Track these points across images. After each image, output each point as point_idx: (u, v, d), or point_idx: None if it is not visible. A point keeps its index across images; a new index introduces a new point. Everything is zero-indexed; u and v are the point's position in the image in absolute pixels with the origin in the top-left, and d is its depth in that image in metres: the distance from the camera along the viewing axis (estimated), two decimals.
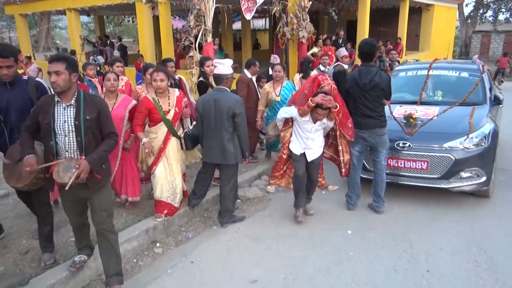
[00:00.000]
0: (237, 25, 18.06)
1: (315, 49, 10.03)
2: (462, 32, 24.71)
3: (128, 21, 19.97)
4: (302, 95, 4.02)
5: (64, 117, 2.71)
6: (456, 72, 5.42)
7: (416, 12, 16.51)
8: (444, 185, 4.29)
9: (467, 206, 4.42)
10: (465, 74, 5.33)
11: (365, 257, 3.44)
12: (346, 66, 6.84)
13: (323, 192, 4.76)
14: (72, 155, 2.74)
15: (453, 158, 4.19)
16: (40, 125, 2.76)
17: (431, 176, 4.31)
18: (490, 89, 5.20)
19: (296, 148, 4.05)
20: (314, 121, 3.90)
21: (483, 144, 4.26)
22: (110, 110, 3.55)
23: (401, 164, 4.43)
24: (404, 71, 5.82)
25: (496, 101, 5.04)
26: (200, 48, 6.78)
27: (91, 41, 16.36)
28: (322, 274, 3.20)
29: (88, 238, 3.23)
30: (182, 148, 4.08)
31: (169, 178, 3.93)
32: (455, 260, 3.36)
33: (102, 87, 5.11)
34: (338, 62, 6.97)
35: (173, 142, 3.96)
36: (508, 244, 3.61)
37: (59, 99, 2.71)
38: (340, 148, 4.19)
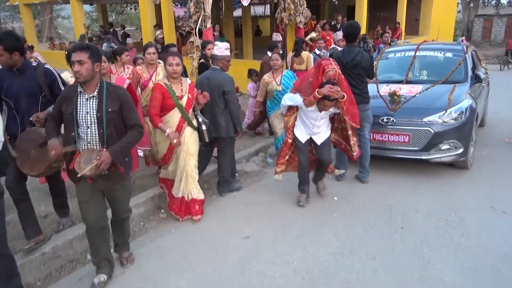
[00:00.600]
0: (238, 12, 18.30)
1: (313, 34, 10.32)
2: (464, 16, 24.79)
3: (131, 9, 20.26)
4: (308, 83, 3.95)
5: (87, 108, 2.70)
6: (441, 53, 5.77)
7: None
8: (424, 156, 4.69)
9: (446, 176, 4.81)
10: (449, 55, 5.67)
11: (347, 218, 3.86)
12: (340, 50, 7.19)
13: (330, 176, 4.66)
14: (94, 147, 2.73)
15: (432, 131, 4.58)
16: (63, 115, 2.76)
17: (412, 148, 4.70)
18: (473, 68, 5.54)
19: (301, 134, 4.08)
20: (320, 110, 3.89)
21: (460, 118, 4.64)
22: None
23: (385, 138, 4.82)
24: (393, 52, 6.17)
25: (477, 79, 5.38)
26: (200, 33, 7.13)
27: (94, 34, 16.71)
28: (308, 232, 3.63)
29: (106, 248, 3.02)
30: (201, 141, 3.95)
31: (179, 175, 3.89)
32: (427, 220, 3.77)
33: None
34: (334, 45, 7.33)
35: (189, 132, 3.83)
36: (478, 206, 4.01)
37: (81, 90, 2.70)
38: (350, 132, 4.11)
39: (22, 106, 3.22)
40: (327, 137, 4.10)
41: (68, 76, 4.29)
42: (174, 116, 3.75)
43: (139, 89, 4.58)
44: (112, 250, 3.24)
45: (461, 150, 4.64)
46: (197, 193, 3.89)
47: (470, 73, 5.35)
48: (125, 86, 3.72)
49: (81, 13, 14.52)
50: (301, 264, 3.13)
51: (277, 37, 7.84)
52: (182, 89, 3.79)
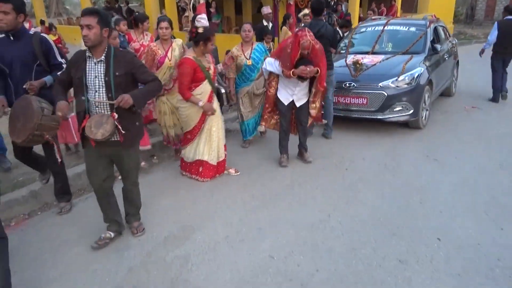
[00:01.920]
0: None
1: (306, 11, 11.00)
2: None
3: None
4: (286, 55, 4.20)
5: (95, 72, 2.74)
6: (406, 27, 6.48)
7: None
8: (380, 116, 5.49)
9: (399, 134, 5.61)
10: (413, 29, 6.39)
11: (304, 163, 4.71)
12: None
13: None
14: (103, 111, 2.79)
15: (386, 94, 5.36)
16: (72, 80, 2.82)
17: (370, 109, 5.50)
18: (432, 42, 6.25)
19: (284, 96, 4.45)
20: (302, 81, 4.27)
21: (411, 83, 5.41)
22: None
23: (348, 100, 5.61)
24: (365, 27, 6.89)
25: (434, 51, 6.10)
26: (195, 8, 7.88)
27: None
28: (269, 172, 4.49)
29: (115, 211, 3.20)
30: (221, 103, 4.34)
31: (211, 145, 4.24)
32: (369, 164, 4.61)
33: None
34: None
35: (215, 100, 4.18)
36: (416, 156, 4.83)
37: (90, 54, 2.75)
38: (313, 90, 4.42)
39: (16, 74, 3.26)
40: (305, 100, 4.49)
41: (82, 44, 4.90)
42: (206, 88, 4.02)
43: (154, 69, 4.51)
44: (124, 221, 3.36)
45: (411, 111, 5.44)
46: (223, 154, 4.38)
47: (428, 45, 6.07)
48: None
49: None
50: (259, 192, 4.01)
51: (267, 10, 8.55)
52: (207, 60, 4.08)
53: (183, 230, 3.35)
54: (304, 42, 4.09)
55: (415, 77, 5.44)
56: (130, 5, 17.51)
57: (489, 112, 6.64)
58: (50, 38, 3.64)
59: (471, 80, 8.71)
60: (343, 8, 12.82)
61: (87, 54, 2.77)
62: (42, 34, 3.41)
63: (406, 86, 5.40)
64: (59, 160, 3.47)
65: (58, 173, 3.66)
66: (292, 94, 4.46)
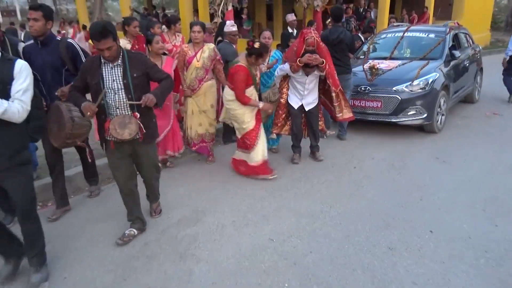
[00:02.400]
0: None
1: None
2: (510, 1, 24.20)
3: None
4: (293, 52, 4.53)
5: (113, 76, 2.88)
6: (425, 34, 6.63)
7: None
8: (394, 119, 5.67)
9: (413, 137, 5.77)
10: (432, 35, 6.53)
11: (317, 161, 4.98)
12: None
13: (325, 137, 5.64)
14: (123, 112, 2.94)
15: (400, 98, 5.55)
16: (89, 86, 2.95)
17: (384, 112, 5.70)
18: (452, 48, 6.35)
19: (294, 100, 4.72)
20: (307, 75, 4.54)
21: (425, 88, 5.56)
22: None
23: (363, 104, 5.83)
24: (386, 33, 7.08)
25: (452, 57, 6.21)
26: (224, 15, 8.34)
27: (139, 11, 18.33)
28: (282, 168, 4.79)
29: (138, 209, 3.37)
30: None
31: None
32: (377, 163, 4.82)
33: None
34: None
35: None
36: (425, 158, 4.99)
37: (105, 60, 2.88)
38: (333, 94, 4.68)
39: (48, 79, 3.44)
40: (315, 105, 4.76)
41: (125, 43, 4.97)
42: (253, 92, 4.29)
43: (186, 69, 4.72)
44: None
45: (425, 115, 5.59)
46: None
47: (446, 51, 6.20)
48: (174, 66, 4.43)
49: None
50: (268, 183, 4.32)
51: (291, 17, 8.88)
52: (255, 68, 4.34)
53: (196, 213, 3.71)
54: (309, 39, 4.36)
55: (429, 82, 5.60)
56: (166, 11, 18.35)
57: (509, 118, 6.65)
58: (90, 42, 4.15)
59: (498, 87, 8.64)
60: (372, 15, 12.95)
61: (102, 60, 2.89)
62: (68, 40, 3.59)
63: (420, 90, 5.56)
64: (90, 161, 3.84)
65: (90, 165, 4.01)
66: (301, 98, 4.71)
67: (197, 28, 4.56)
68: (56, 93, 3.36)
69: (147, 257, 3.06)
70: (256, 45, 4.07)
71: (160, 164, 3.95)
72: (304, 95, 4.69)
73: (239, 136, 4.49)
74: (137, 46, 5.11)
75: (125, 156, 3.13)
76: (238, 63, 4.20)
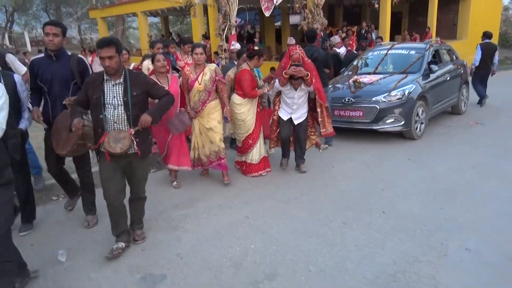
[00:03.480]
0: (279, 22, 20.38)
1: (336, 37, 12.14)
2: None
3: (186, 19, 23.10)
4: (281, 68, 5.03)
5: (114, 93, 3.08)
6: (407, 51, 7.36)
7: (454, 1, 17.58)
8: (374, 127, 6.35)
9: (394, 143, 6.40)
10: (413, 52, 7.25)
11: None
12: (338, 50, 9.02)
13: (320, 151, 6.08)
14: (121, 127, 3.11)
15: (378, 108, 6.24)
16: (89, 100, 3.13)
17: (366, 121, 6.38)
18: (430, 62, 7.02)
19: (283, 113, 5.10)
20: (295, 89, 4.91)
21: (402, 98, 6.25)
22: (167, 88, 4.27)
23: (347, 113, 6.54)
24: (373, 51, 7.84)
25: (430, 71, 6.88)
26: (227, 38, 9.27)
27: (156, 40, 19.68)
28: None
29: (125, 221, 3.41)
30: None
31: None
32: (355, 164, 5.49)
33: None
34: (333, 47, 9.14)
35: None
36: (400, 159, 5.63)
37: (108, 78, 3.07)
38: (318, 110, 5.07)
39: (55, 91, 3.60)
40: (304, 118, 5.10)
41: (149, 64, 5.52)
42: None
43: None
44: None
45: (402, 123, 6.25)
46: None
47: (424, 66, 6.89)
48: (180, 82, 4.78)
49: (145, 25, 17.45)
50: (255, 178, 5.04)
51: (291, 41, 9.76)
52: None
53: (190, 200, 4.47)
54: (294, 54, 4.85)
55: (406, 92, 6.29)
56: (181, 37, 19.65)
57: (490, 127, 7.20)
58: None
59: (491, 101, 9.18)
60: (373, 36, 13.74)
61: (105, 77, 3.09)
62: (79, 56, 3.82)
63: (397, 100, 6.25)
64: (95, 161, 3.65)
65: (89, 184, 3.95)
66: (291, 112, 5.07)
67: (199, 50, 4.68)
68: (63, 102, 3.57)
69: (144, 228, 3.80)
70: (256, 47, 5.07)
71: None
72: (293, 109, 5.03)
73: (240, 144, 5.23)
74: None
75: (118, 168, 3.22)
76: (242, 68, 4.99)
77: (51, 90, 3.63)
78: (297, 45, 5.17)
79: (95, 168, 3.90)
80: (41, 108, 3.71)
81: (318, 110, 5.11)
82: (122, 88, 3.10)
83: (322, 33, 8.15)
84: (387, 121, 6.28)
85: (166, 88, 4.16)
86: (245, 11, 12.81)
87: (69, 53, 3.80)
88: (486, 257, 3.15)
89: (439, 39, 8.40)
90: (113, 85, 3.11)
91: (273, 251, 3.34)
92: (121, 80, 3.11)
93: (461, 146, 6.10)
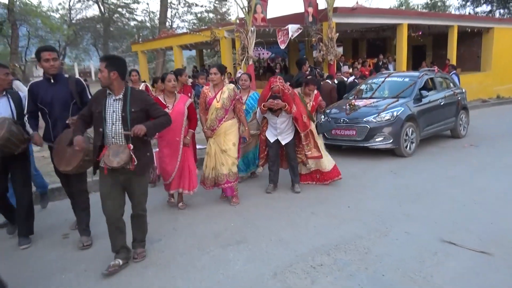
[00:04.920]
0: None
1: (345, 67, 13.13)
2: None
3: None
4: (261, 97, 5.22)
5: (113, 108, 3.24)
6: (402, 78, 8.20)
7: (477, 35, 18.16)
8: (366, 144, 7.17)
9: (384, 159, 7.16)
10: (407, 79, 8.08)
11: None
12: (345, 79, 9.99)
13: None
14: (118, 142, 3.23)
15: (369, 127, 7.07)
16: (93, 115, 3.29)
17: (358, 139, 7.22)
18: (422, 89, 7.81)
19: (270, 135, 5.34)
20: (277, 116, 5.14)
21: (390, 119, 7.06)
22: (172, 107, 4.59)
23: (343, 133, 7.40)
24: (372, 78, 8.74)
25: (421, 96, 7.66)
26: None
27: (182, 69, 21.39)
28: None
29: (123, 238, 3.45)
30: None
31: None
32: (346, 180, 6.24)
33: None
34: (341, 75, 10.12)
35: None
36: (382, 171, 6.39)
37: (110, 92, 3.25)
38: (302, 135, 5.23)
39: (55, 112, 3.76)
40: (290, 139, 5.30)
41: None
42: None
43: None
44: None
45: (391, 141, 7.03)
46: None
47: (415, 92, 7.68)
48: (187, 104, 4.75)
49: (180, 57, 19.13)
50: (241, 189, 5.97)
51: (239, 73, 10.66)
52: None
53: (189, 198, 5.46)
54: (274, 87, 5.06)
55: (394, 114, 7.11)
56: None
57: (483, 148, 7.78)
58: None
59: (497, 128, 9.73)
60: (390, 68, 14.58)
61: (107, 92, 3.27)
62: (77, 77, 4.09)
63: (386, 121, 7.07)
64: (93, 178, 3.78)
65: (84, 203, 3.98)
66: (276, 134, 5.30)
67: (214, 70, 4.85)
68: (67, 121, 3.73)
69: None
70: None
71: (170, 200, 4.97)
72: (278, 133, 5.28)
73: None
74: (182, 92, 5.66)
75: (117, 184, 3.32)
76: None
77: (52, 112, 3.78)
78: (278, 77, 5.35)
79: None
80: (41, 131, 3.92)
81: (302, 135, 5.25)
82: (122, 104, 3.26)
83: (310, 65, 9.25)
84: (377, 139, 7.09)
85: (171, 106, 4.59)
86: (276, 45, 13.95)
87: (66, 75, 4.06)
88: (418, 238, 3.91)
89: (436, 68, 9.15)
90: (114, 100, 3.28)
91: (247, 228, 4.26)
92: (121, 96, 3.28)
93: (445, 163, 6.78)
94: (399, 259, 3.50)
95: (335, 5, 11.63)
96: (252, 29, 10.01)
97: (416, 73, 8.32)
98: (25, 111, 3.88)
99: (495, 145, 8.10)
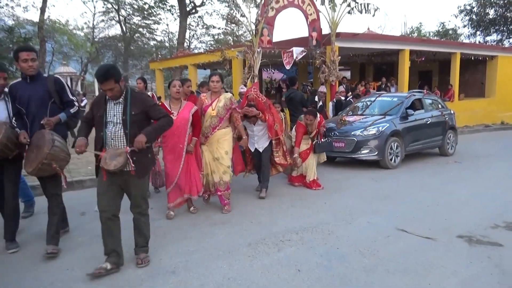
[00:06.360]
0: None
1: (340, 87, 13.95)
2: None
3: None
4: (240, 106, 5.58)
5: (114, 112, 3.27)
6: (391, 98, 9.01)
7: (482, 62, 18.87)
8: (353, 155, 7.94)
9: (371, 170, 7.88)
10: (395, 99, 8.89)
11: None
12: (342, 98, 10.85)
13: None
14: (118, 144, 3.26)
15: (356, 140, 7.86)
16: (94, 118, 3.33)
17: (346, 151, 8.00)
18: (408, 108, 8.58)
19: (250, 145, 5.74)
20: (254, 124, 5.63)
21: (375, 133, 7.84)
22: (176, 113, 4.66)
23: (333, 144, 8.18)
24: (366, 98, 9.59)
25: (407, 114, 8.43)
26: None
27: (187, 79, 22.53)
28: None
29: (115, 242, 3.38)
30: None
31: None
32: (327, 180, 7.03)
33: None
34: (337, 95, 10.98)
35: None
36: (362, 178, 7.13)
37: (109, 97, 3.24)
38: (273, 142, 5.77)
39: (32, 111, 3.71)
40: (266, 145, 5.78)
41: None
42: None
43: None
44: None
45: (376, 153, 7.80)
46: None
47: (402, 110, 8.46)
48: (192, 111, 4.78)
49: (195, 75, 20.29)
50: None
51: (323, 88, 11.57)
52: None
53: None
54: (249, 95, 5.65)
55: (380, 129, 7.89)
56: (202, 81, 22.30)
57: (464, 165, 8.45)
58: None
59: (490, 151, 10.39)
60: (393, 90, 15.38)
61: (107, 96, 3.27)
62: (56, 76, 3.99)
63: (371, 135, 7.85)
64: (64, 185, 3.75)
65: (57, 207, 3.84)
66: (254, 142, 5.77)
67: (215, 78, 4.99)
68: (41, 122, 3.64)
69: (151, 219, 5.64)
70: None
71: (171, 210, 4.92)
72: (255, 140, 5.76)
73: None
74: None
75: (114, 184, 3.35)
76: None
77: (29, 111, 3.74)
78: (254, 87, 5.92)
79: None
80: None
81: (273, 141, 5.78)
82: (122, 107, 3.29)
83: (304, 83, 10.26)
84: (363, 152, 7.86)
85: (176, 113, 4.67)
86: (283, 67, 14.93)
87: (45, 74, 4.03)
88: (377, 226, 4.66)
89: (425, 90, 9.95)
90: (115, 104, 3.32)
91: (233, 214, 5.08)
92: (121, 99, 3.31)
93: (425, 174, 7.50)
94: (355, 239, 4.26)
95: (339, 31, 12.60)
96: (258, 50, 11.00)
97: (404, 94, 9.12)
98: (11, 114, 3.87)
99: (478, 162, 8.77)
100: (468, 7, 28.71)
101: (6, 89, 3.94)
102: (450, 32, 31.72)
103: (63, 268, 3.60)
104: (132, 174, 3.30)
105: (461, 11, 29.06)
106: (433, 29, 34.10)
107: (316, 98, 10.17)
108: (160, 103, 4.80)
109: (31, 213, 5.01)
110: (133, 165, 3.26)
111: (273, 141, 5.79)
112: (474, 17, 28.65)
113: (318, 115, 6.48)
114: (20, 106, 3.76)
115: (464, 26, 29.95)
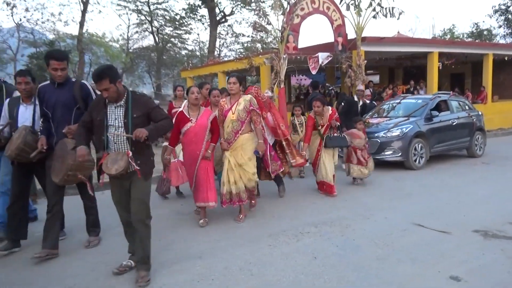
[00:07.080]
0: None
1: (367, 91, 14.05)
2: None
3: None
4: None
5: (115, 115, 3.26)
6: (415, 100, 9.13)
7: None
8: (377, 157, 8.11)
9: (395, 170, 8.04)
10: (420, 101, 9.00)
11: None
12: (367, 101, 11.00)
13: (292, 179, 6.84)
14: (120, 148, 3.26)
15: (379, 142, 8.05)
16: (93, 122, 3.27)
17: (371, 152, 8.15)
18: (433, 109, 8.68)
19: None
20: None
21: (399, 135, 8.00)
22: (195, 120, 4.61)
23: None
24: (390, 100, 9.75)
25: (431, 116, 8.53)
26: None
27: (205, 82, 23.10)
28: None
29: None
30: None
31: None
32: (338, 179, 7.26)
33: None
34: (364, 98, 11.14)
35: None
36: (383, 178, 7.31)
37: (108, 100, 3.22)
38: (284, 143, 5.86)
39: (57, 116, 3.76)
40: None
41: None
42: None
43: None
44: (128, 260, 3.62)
45: (399, 154, 7.95)
46: None
47: (426, 112, 8.57)
48: (211, 118, 4.71)
49: (224, 83, 20.91)
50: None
51: (361, 87, 11.71)
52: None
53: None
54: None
55: (403, 130, 8.05)
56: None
57: (492, 166, 8.43)
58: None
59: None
60: (423, 93, 15.34)
61: (104, 96, 3.19)
62: (82, 81, 4.02)
63: (395, 136, 8.02)
64: (92, 194, 3.90)
65: (91, 207, 4.17)
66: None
67: (233, 79, 4.82)
68: (63, 131, 3.68)
69: (180, 213, 6.07)
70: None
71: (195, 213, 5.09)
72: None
73: None
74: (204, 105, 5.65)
75: (124, 189, 3.38)
76: None
77: (54, 115, 3.80)
78: (254, 86, 5.84)
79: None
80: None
81: (284, 143, 5.86)
82: (123, 110, 3.27)
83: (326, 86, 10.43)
84: (387, 153, 8.04)
85: (194, 120, 4.63)
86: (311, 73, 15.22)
87: (73, 79, 4.04)
88: (394, 221, 4.88)
89: (453, 92, 10.01)
90: (115, 107, 3.29)
91: (258, 211, 5.42)
92: (123, 102, 3.28)
93: (447, 175, 7.59)
94: (371, 232, 4.52)
95: (365, 35, 12.78)
96: (284, 56, 11.36)
97: (428, 96, 9.21)
98: (39, 116, 3.97)
99: (506, 163, 8.71)
100: (503, 7, 27.99)
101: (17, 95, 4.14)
102: (485, 32, 30.93)
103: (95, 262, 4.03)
104: (138, 176, 3.27)
105: (496, 11, 28.36)
106: (467, 30, 33.35)
107: (356, 98, 10.38)
108: (179, 111, 4.79)
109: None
110: (137, 167, 3.25)
111: (283, 142, 5.82)
112: (510, 16, 27.91)
113: (330, 107, 6.36)
114: (46, 109, 3.84)
115: (500, 27, 29.20)
